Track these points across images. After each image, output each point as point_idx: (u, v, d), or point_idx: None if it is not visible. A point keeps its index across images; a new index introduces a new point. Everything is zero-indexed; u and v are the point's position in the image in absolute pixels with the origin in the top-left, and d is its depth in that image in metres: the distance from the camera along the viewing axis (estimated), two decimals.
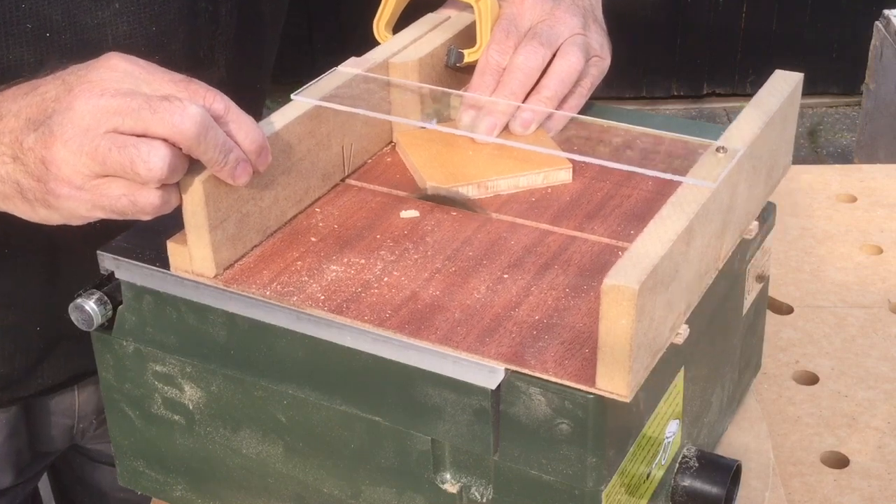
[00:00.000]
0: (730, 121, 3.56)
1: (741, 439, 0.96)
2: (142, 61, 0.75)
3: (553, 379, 0.68)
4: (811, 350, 1.10)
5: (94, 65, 0.74)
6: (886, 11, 2.39)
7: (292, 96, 0.84)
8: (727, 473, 0.82)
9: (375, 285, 0.77)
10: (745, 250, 0.89)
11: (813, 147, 3.60)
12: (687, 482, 0.82)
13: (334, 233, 0.83)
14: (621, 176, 0.88)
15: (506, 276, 0.77)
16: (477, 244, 0.81)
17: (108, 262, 0.81)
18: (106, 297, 0.81)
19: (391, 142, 0.95)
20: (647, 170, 0.79)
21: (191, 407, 0.83)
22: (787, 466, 0.96)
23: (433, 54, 0.94)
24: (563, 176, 0.88)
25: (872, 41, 2.44)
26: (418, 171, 0.88)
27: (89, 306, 0.81)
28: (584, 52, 0.92)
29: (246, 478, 0.84)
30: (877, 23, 2.42)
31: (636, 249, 0.66)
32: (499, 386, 0.70)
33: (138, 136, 0.70)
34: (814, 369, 1.08)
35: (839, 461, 0.97)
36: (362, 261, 0.79)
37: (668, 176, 0.77)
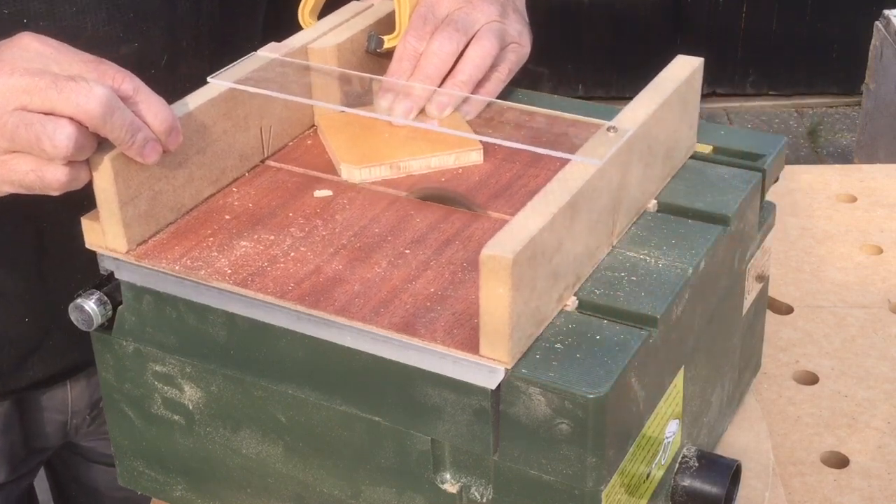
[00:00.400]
0: (730, 121, 3.56)
1: (741, 439, 0.96)
2: (53, 41, 0.77)
3: (440, 349, 0.70)
4: (811, 350, 1.10)
5: (7, 44, 0.76)
6: (886, 11, 2.39)
7: (208, 79, 0.86)
8: (727, 473, 0.82)
9: (282, 260, 0.79)
10: (745, 250, 0.89)
11: (813, 147, 3.60)
12: (687, 482, 0.82)
13: (248, 211, 0.85)
14: (531, 157, 0.90)
15: (407, 251, 0.80)
16: (384, 222, 0.83)
17: (107, 262, 0.81)
18: (106, 297, 0.82)
19: (313, 125, 0.97)
20: (539, 148, 0.81)
21: (191, 407, 0.83)
22: (787, 466, 0.96)
23: (353, 40, 0.96)
24: (475, 157, 0.91)
25: (872, 41, 2.44)
26: (334, 152, 0.91)
27: (89, 306, 0.81)
28: (499, 38, 0.95)
29: (246, 478, 0.84)
30: (877, 23, 2.42)
31: (516, 222, 0.69)
32: (499, 386, 0.70)
33: (46, 114, 0.73)
34: (814, 369, 1.08)
35: (839, 461, 0.98)
36: (272, 237, 0.81)
37: (558, 154, 0.79)
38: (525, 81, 1.01)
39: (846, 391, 1.05)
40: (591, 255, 0.77)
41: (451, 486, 0.75)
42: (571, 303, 0.74)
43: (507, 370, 0.69)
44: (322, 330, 0.75)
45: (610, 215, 0.78)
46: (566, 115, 0.93)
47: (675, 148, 0.87)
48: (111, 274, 0.82)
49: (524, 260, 0.67)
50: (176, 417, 0.84)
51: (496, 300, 0.67)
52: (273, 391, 0.79)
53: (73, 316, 0.81)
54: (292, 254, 0.80)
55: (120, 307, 0.82)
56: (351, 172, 0.89)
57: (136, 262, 0.79)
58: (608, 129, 0.78)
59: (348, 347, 0.74)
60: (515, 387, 0.69)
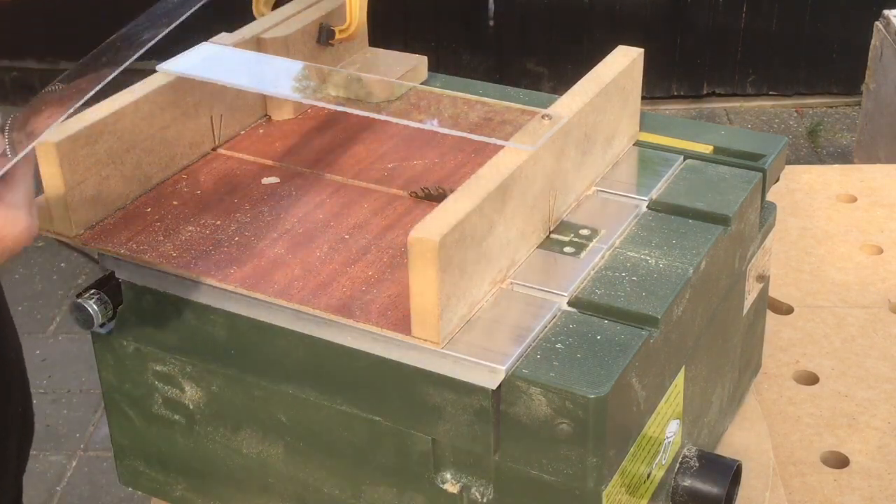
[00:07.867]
0: (730, 121, 3.56)
1: (741, 439, 0.96)
2: None
3: (375, 329, 0.71)
4: (811, 350, 1.10)
5: None
6: (886, 11, 2.39)
7: (157, 67, 0.86)
8: (727, 473, 0.82)
9: (226, 244, 0.80)
10: (745, 250, 0.89)
11: (813, 147, 3.60)
12: (687, 482, 0.82)
13: (196, 197, 0.86)
14: (478, 146, 0.91)
15: (347, 236, 0.81)
16: (328, 207, 0.84)
17: (108, 262, 0.81)
18: (106, 297, 0.81)
19: (266, 115, 0.97)
20: (473, 135, 0.81)
21: (191, 407, 0.83)
22: (787, 466, 0.96)
23: (304, 31, 0.96)
24: None
25: (872, 41, 2.43)
26: None
27: (89, 306, 0.81)
28: None
29: (246, 478, 0.84)
30: (877, 23, 2.41)
31: (446, 205, 0.70)
32: (499, 386, 0.70)
33: None
34: (814, 369, 1.08)
35: (839, 461, 0.98)
36: (218, 222, 0.83)
37: (492, 140, 0.79)
38: (525, 81, 1.01)
39: (846, 391, 1.05)
40: (525, 239, 0.78)
41: (451, 486, 0.75)
42: (508, 285, 0.75)
43: (507, 370, 0.69)
44: (322, 330, 0.75)
45: (545, 201, 0.79)
46: (504, 103, 0.94)
47: (615, 136, 0.88)
48: (111, 273, 0.82)
49: (451, 242, 0.68)
50: (176, 417, 0.84)
51: (425, 282, 0.68)
52: (273, 391, 0.79)
53: (74, 315, 0.81)
54: (237, 238, 0.81)
55: (120, 307, 0.82)
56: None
57: (137, 262, 0.79)
58: (543, 117, 0.79)
59: (349, 347, 0.74)
60: (516, 387, 0.69)
